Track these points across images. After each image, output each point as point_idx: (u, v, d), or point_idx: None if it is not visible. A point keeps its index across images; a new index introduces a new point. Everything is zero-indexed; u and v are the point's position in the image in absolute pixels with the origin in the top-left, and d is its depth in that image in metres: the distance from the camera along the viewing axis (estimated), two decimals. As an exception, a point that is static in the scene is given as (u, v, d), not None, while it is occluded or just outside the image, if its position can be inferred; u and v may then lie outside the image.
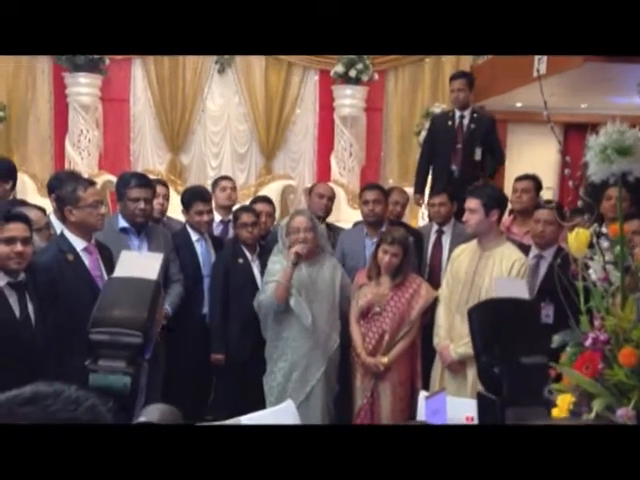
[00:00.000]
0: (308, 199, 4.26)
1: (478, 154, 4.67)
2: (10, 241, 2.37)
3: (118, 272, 1.35)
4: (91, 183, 2.91)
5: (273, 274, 3.31)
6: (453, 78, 4.89)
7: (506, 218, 4.38)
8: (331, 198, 4.14)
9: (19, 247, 2.38)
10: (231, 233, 3.99)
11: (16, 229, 2.40)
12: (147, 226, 3.29)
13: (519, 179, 4.10)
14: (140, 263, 1.37)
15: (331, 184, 7.10)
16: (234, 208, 4.02)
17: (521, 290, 1.43)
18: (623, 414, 1.27)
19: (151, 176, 4.17)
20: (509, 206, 4.48)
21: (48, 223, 3.16)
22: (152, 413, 1.18)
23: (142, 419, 1.17)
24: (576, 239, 1.43)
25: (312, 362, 3.30)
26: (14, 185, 3.70)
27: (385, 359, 3.27)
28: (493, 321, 1.35)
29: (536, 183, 4.05)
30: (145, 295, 1.28)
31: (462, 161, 4.66)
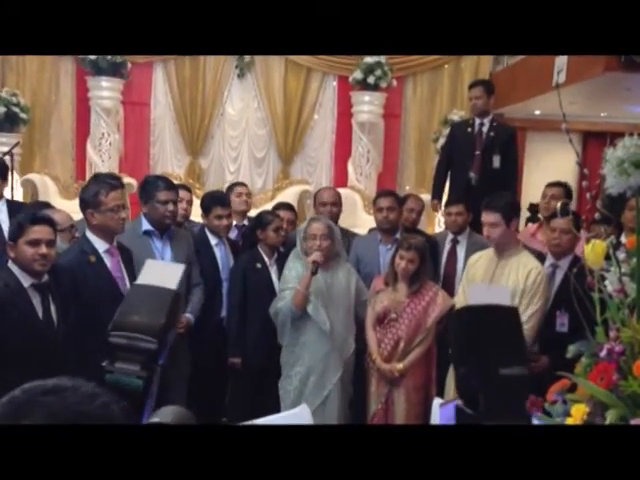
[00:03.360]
0: (315, 208, 4.20)
1: (496, 162, 4.66)
2: (35, 243, 2.42)
3: (141, 279, 1.39)
4: (113, 187, 2.95)
5: (289, 281, 3.34)
6: (471, 86, 4.90)
7: (531, 225, 4.37)
8: (335, 203, 4.06)
9: (44, 249, 2.42)
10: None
11: (41, 231, 2.45)
12: (170, 229, 3.34)
13: (550, 185, 4.11)
14: (163, 272, 1.42)
15: (348, 190, 7.17)
16: (260, 211, 4.05)
17: (501, 297, 1.36)
18: (637, 425, 1.28)
19: (175, 181, 4.23)
20: (526, 213, 4.49)
21: (72, 225, 3.22)
22: (165, 414, 1.22)
23: (155, 419, 1.21)
24: (592, 251, 1.44)
25: (329, 367, 3.32)
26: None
27: (400, 365, 3.28)
28: (470, 329, 1.26)
29: (566, 190, 4.05)
30: (164, 304, 1.33)
31: (480, 169, 4.65)
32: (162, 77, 7.52)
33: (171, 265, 1.50)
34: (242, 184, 4.52)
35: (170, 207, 3.24)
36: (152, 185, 3.30)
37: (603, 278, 1.46)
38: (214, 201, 3.75)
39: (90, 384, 0.81)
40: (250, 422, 2.34)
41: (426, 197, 5.25)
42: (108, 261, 2.88)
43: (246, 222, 4.17)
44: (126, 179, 6.57)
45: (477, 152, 4.69)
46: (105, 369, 1.28)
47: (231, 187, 4.42)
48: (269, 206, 5.29)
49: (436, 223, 6.93)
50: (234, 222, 4.25)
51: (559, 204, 3.70)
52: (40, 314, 2.46)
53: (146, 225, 3.26)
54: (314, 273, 3.22)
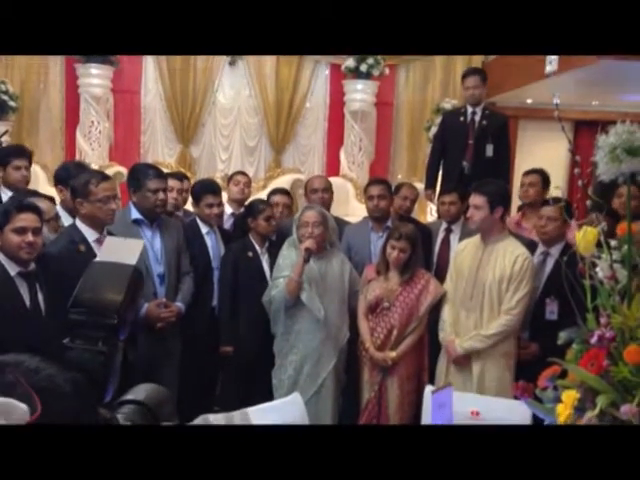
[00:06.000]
0: (306, 196, 4.20)
1: (489, 150, 4.66)
2: (21, 231, 2.40)
3: (101, 256, 1.40)
4: (105, 178, 2.92)
5: (283, 269, 3.34)
6: (468, 75, 4.83)
7: (515, 214, 4.39)
8: (326, 190, 4.05)
9: (30, 237, 2.40)
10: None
11: (27, 219, 2.43)
12: (160, 218, 3.32)
13: (526, 173, 4.20)
14: (122, 249, 1.42)
15: (340, 178, 7.15)
16: (251, 200, 4.05)
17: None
18: (627, 411, 1.28)
19: (165, 169, 4.24)
20: (518, 202, 4.50)
21: (57, 214, 3.19)
22: (139, 392, 1.22)
23: (129, 397, 1.21)
24: (584, 238, 1.44)
25: (323, 355, 3.33)
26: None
27: (393, 354, 3.29)
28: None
29: (543, 177, 4.08)
30: (123, 279, 1.33)
31: (473, 157, 4.65)
32: (152, 65, 7.44)
33: (130, 241, 1.49)
34: (242, 173, 4.59)
35: (161, 196, 3.23)
36: (142, 174, 3.27)
37: (594, 265, 1.46)
38: (205, 189, 3.73)
39: (35, 358, 0.82)
40: (243, 410, 2.34)
41: (419, 185, 5.24)
42: (98, 251, 2.85)
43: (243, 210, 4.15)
44: (116, 168, 6.54)
45: (470, 141, 4.68)
46: (66, 346, 1.28)
47: (231, 176, 4.52)
48: (261, 195, 5.28)
49: (428, 212, 6.93)
50: (231, 210, 4.26)
51: (552, 196, 3.73)
52: (27, 303, 2.44)
53: (135, 214, 3.24)
54: (306, 260, 3.22)
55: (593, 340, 1.38)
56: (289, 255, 3.36)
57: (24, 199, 2.77)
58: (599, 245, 1.47)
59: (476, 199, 3.15)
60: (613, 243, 1.47)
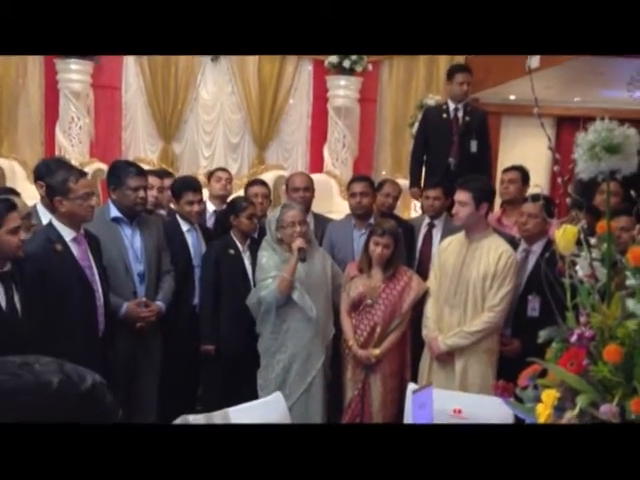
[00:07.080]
0: (287, 193, 4.14)
1: (474, 146, 4.66)
2: (15, 231, 2.37)
3: None
4: (82, 174, 2.89)
5: (268, 270, 3.30)
6: (458, 71, 4.80)
7: (496, 211, 4.41)
8: (308, 188, 4.01)
9: (22, 235, 2.40)
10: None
11: (15, 218, 2.41)
12: (140, 216, 3.28)
13: (506, 170, 4.21)
14: None
15: (324, 175, 7.12)
16: (234, 197, 4.02)
17: None
18: (607, 410, 1.27)
19: (147, 166, 4.19)
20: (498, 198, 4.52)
21: (30, 213, 3.13)
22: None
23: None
24: (564, 236, 1.43)
25: (312, 353, 3.31)
26: None
27: (377, 351, 3.28)
28: None
29: (522, 173, 4.10)
30: None
31: (459, 154, 4.65)
32: (133, 60, 7.35)
33: None
34: (223, 169, 4.58)
35: (141, 194, 3.20)
36: (122, 171, 3.24)
37: (574, 263, 1.45)
38: (185, 186, 3.69)
39: (17, 358, 0.82)
40: (224, 410, 2.31)
41: (402, 182, 5.23)
42: (75, 249, 2.81)
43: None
44: (97, 164, 6.46)
45: (454, 138, 4.68)
46: None
47: (212, 172, 4.50)
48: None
49: (412, 208, 6.93)
50: (213, 207, 4.23)
51: (530, 193, 3.73)
52: (3, 304, 2.39)
53: (114, 212, 3.20)
54: (303, 260, 3.20)
55: (573, 339, 1.37)
56: (271, 256, 3.33)
57: (7, 197, 2.71)
58: (579, 243, 1.47)
59: (461, 195, 3.14)
60: (593, 241, 1.47)
